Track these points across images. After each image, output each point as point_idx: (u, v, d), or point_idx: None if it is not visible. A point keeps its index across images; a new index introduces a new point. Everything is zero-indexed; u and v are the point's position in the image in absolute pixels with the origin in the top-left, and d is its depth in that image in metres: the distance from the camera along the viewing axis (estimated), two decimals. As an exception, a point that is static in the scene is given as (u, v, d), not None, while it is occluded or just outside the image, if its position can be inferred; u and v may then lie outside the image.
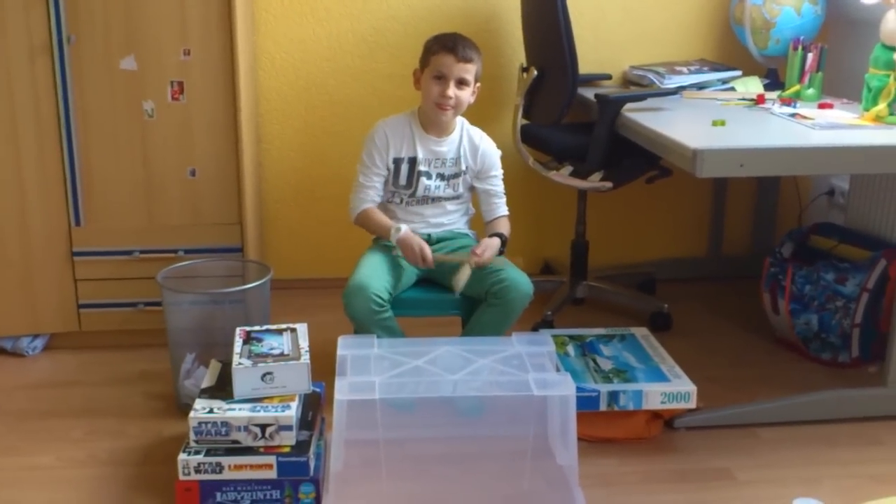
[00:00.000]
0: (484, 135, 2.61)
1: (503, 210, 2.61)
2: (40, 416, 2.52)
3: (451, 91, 2.44)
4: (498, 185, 2.61)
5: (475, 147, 2.57)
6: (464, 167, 2.56)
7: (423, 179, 2.52)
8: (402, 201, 2.55)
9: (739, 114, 2.75)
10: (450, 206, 2.59)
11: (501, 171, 2.62)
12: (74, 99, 2.69)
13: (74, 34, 2.64)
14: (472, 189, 2.62)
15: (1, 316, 2.82)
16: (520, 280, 2.40)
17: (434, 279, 2.55)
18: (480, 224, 2.64)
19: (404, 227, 2.45)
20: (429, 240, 2.54)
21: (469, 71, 2.46)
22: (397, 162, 2.52)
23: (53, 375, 2.77)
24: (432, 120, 2.52)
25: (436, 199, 2.56)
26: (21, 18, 2.60)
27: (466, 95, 2.48)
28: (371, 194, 2.53)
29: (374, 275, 2.36)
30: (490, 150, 2.60)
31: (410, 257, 2.42)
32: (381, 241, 2.55)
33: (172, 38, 2.69)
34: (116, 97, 2.71)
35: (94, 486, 2.19)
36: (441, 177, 2.54)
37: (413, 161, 2.52)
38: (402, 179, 2.53)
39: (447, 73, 2.44)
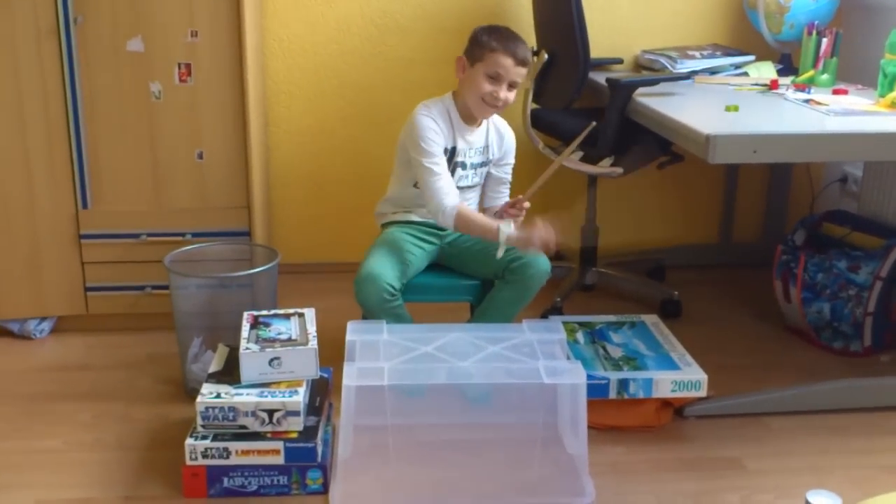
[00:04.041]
0: (506, 123, 2.59)
1: (507, 199, 2.58)
2: (48, 399, 2.51)
3: (504, 93, 2.39)
4: (509, 174, 2.60)
5: (501, 136, 2.55)
6: (490, 156, 2.54)
7: (459, 170, 2.48)
8: None
9: (752, 99, 2.72)
10: (469, 192, 2.55)
11: (514, 162, 2.61)
12: (81, 80, 2.67)
13: (81, 15, 2.62)
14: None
15: (8, 299, 2.81)
16: (537, 258, 2.39)
17: (445, 264, 2.54)
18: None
19: (509, 226, 2.33)
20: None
21: (522, 74, 2.41)
22: (443, 152, 2.46)
23: (61, 358, 2.77)
24: (472, 113, 2.46)
25: (462, 188, 2.51)
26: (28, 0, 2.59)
27: (514, 96, 2.43)
28: (452, 185, 2.41)
29: (386, 262, 2.34)
30: (512, 139, 2.58)
31: (538, 246, 2.28)
32: (393, 226, 2.52)
33: (180, 20, 2.66)
34: (123, 79, 2.69)
35: (102, 469, 2.18)
36: (472, 166, 2.51)
37: (453, 151, 2.47)
38: None
39: (504, 74, 2.38)
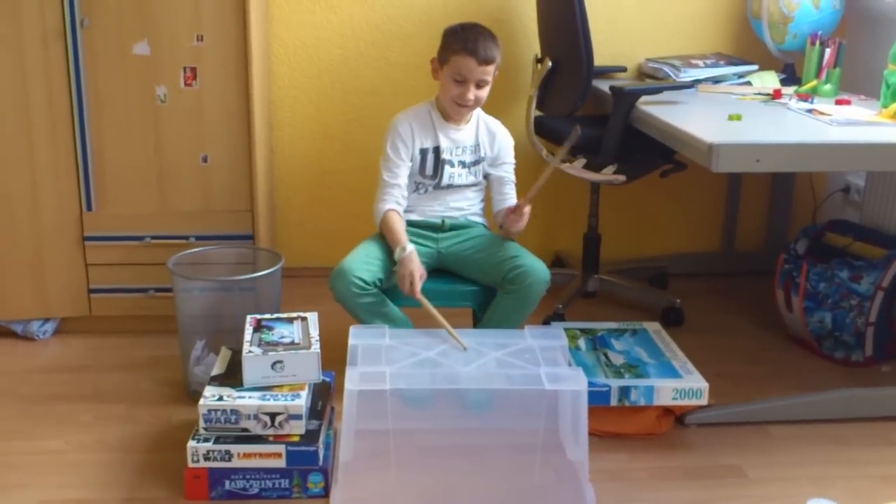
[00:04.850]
0: (499, 122, 2.62)
1: (513, 200, 2.60)
2: (50, 400, 2.52)
3: (472, 94, 2.43)
4: (510, 173, 2.62)
5: (492, 134, 2.58)
6: (482, 154, 2.56)
7: (447, 168, 2.52)
8: (426, 190, 2.55)
9: (755, 108, 2.72)
10: (470, 192, 2.59)
11: (514, 161, 2.62)
12: (87, 84, 2.68)
13: (88, 18, 2.63)
14: (486, 176, 2.61)
15: (12, 300, 2.82)
16: (536, 266, 2.40)
17: (447, 269, 2.54)
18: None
19: (410, 249, 2.38)
20: (442, 225, 2.54)
21: (489, 72, 2.44)
22: (423, 152, 2.51)
23: (63, 360, 2.77)
24: (450, 113, 2.51)
25: (458, 187, 2.55)
26: (35, 2, 2.59)
27: (486, 93, 2.47)
28: (396, 193, 2.48)
29: (361, 259, 2.38)
30: (505, 138, 2.61)
31: (400, 283, 2.37)
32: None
33: (186, 24, 2.67)
34: (129, 82, 2.70)
35: (103, 471, 2.19)
36: (462, 164, 2.54)
37: (437, 150, 2.51)
38: (429, 169, 2.52)
39: (467, 75, 2.41)
